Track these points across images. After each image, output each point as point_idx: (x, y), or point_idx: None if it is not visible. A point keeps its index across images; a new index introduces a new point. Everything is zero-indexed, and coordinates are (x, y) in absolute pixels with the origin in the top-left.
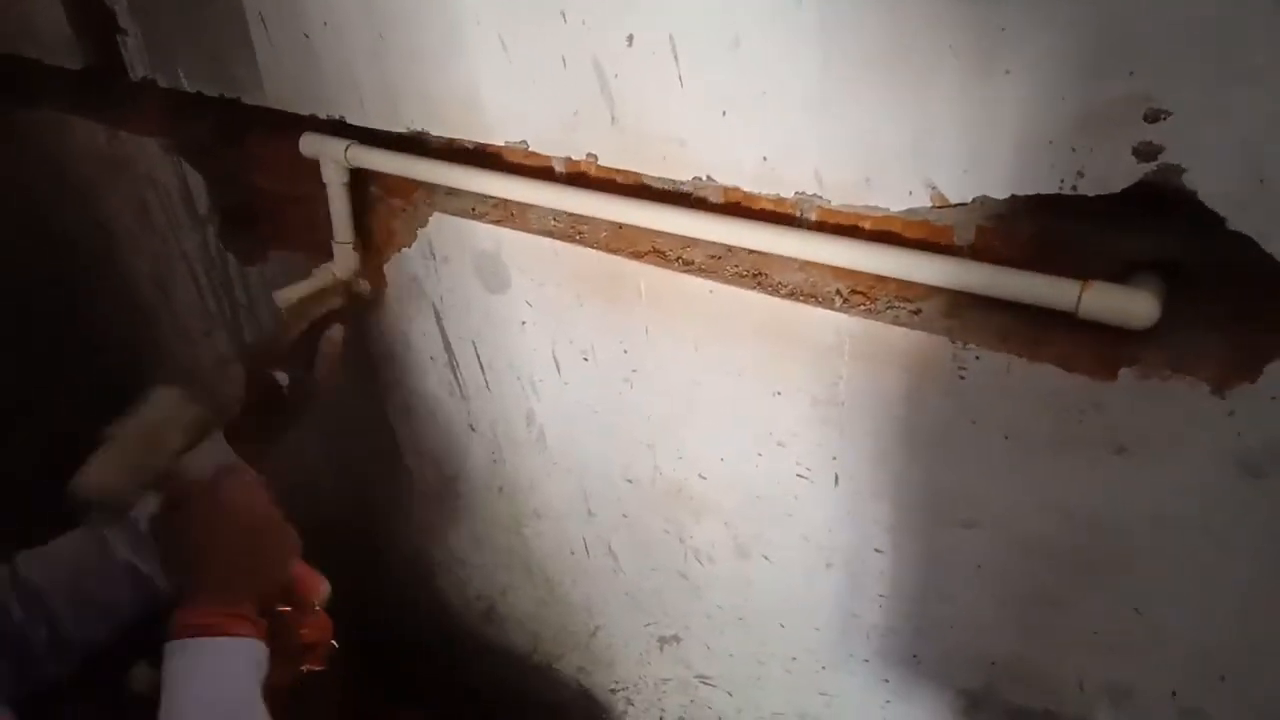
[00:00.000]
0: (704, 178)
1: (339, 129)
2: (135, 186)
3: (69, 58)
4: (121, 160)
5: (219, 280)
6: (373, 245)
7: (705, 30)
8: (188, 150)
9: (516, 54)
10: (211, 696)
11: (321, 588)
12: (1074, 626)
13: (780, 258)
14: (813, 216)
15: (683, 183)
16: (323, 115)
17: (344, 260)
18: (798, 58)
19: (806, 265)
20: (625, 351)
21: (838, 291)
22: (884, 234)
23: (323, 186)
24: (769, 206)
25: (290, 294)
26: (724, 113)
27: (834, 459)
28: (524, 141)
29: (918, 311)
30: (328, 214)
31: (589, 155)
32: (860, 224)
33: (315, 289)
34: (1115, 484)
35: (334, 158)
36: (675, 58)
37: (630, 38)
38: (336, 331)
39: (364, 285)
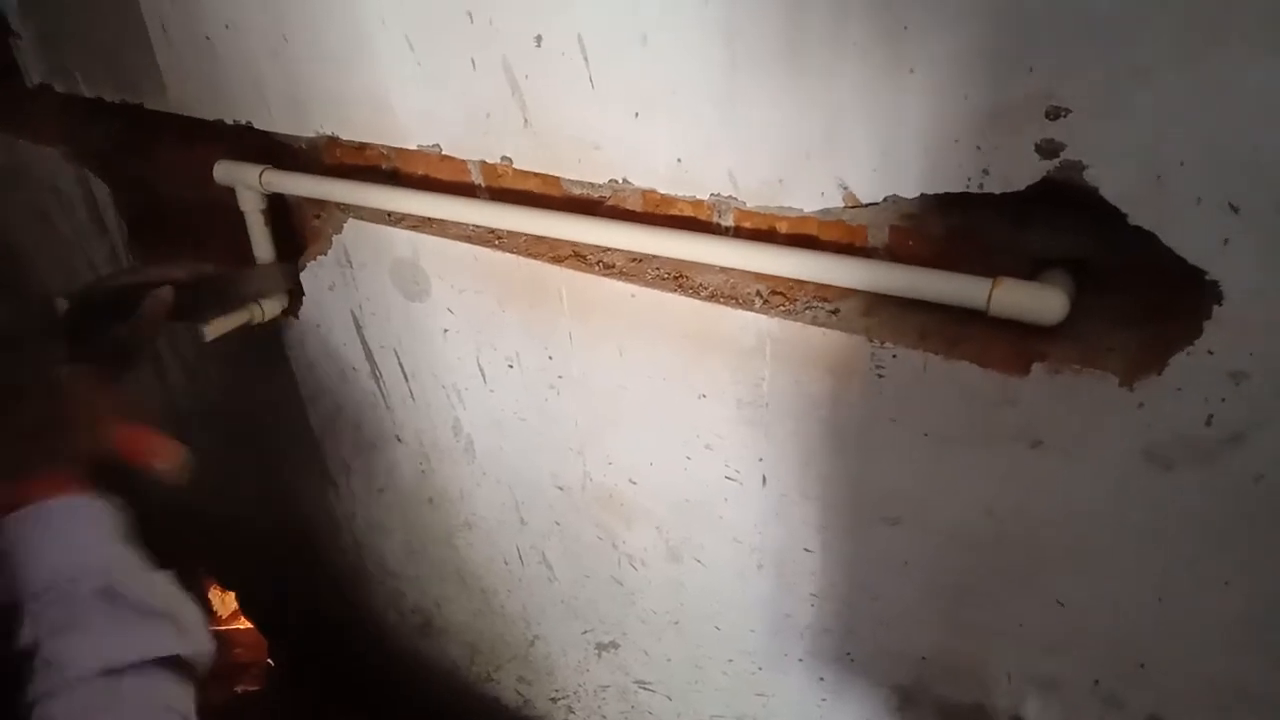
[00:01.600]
0: (620, 180)
1: (249, 135)
2: (37, 197)
3: None
4: (21, 169)
5: None
6: (291, 256)
7: (613, 29)
8: (90, 158)
9: (425, 55)
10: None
11: (166, 449)
12: (999, 620)
13: (695, 263)
14: (730, 219)
15: (600, 186)
16: (229, 120)
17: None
18: (705, 55)
19: (727, 267)
20: (550, 358)
21: (758, 293)
22: (800, 236)
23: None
24: (688, 209)
25: (217, 327)
26: (636, 114)
27: (760, 460)
28: (437, 145)
29: (835, 311)
30: (243, 225)
31: (504, 159)
32: (777, 226)
33: (242, 320)
34: (1032, 478)
35: (248, 184)
36: (585, 58)
37: (539, 38)
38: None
39: (283, 297)
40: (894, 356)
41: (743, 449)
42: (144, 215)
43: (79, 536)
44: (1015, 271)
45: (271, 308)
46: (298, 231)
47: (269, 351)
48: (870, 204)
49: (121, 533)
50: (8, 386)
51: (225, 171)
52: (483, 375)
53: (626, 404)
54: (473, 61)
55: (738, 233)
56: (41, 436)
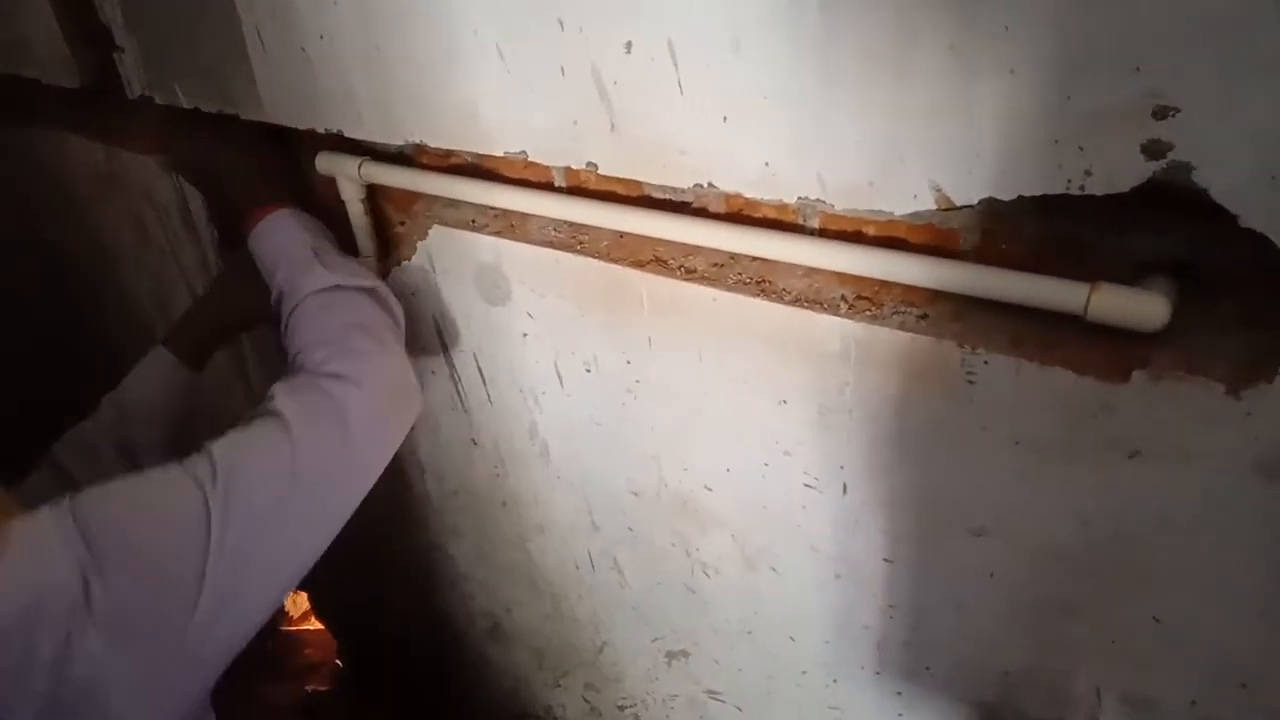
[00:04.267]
0: (705, 185)
1: (340, 144)
2: (133, 204)
3: (66, 76)
4: (120, 177)
5: None
6: (382, 259)
7: (705, 35)
8: (185, 167)
9: (515, 64)
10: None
11: None
12: (1090, 635)
13: (784, 264)
14: (815, 223)
15: (684, 190)
16: (321, 129)
17: None
18: (799, 61)
19: (811, 271)
20: (628, 362)
21: (843, 298)
22: (889, 239)
23: (332, 198)
24: (771, 213)
25: None
26: (725, 118)
27: (842, 468)
28: (523, 151)
29: (924, 316)
30: (334, 229)
31: (589, 164)
32: (864, 229)
33: None
34: (1129, 489)
35: (349, 174)
36: (675, 64)
37: (629, 44)
38: None
39: None
40: (985, 363)
41: (824, 456)
42: (231, 220)
43: (294, 228)
44: (1114, 276)
45: None
46: (382, 241)
47: None
48: (964, 206)
49: (321, 229)
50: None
51: (328, 162)
52: (560, 379)
53: (705, 409)
54: (562, 68)
55: (823, 235)
56: (262, 183)
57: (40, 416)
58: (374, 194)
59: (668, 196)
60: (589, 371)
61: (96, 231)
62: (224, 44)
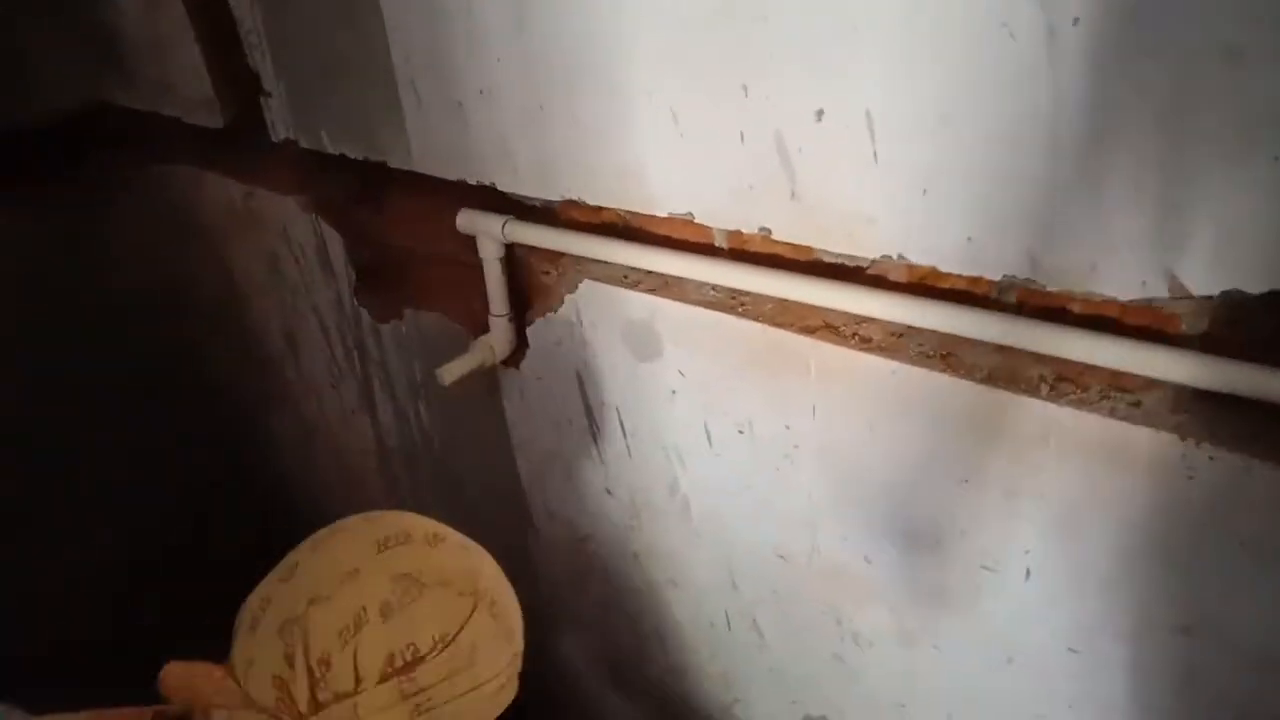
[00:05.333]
0: (895, 256)
1: (487, 195)
2: (268, 242)
3: (209, 117)
4: (256, 216)
5: (350, 334)
6: (518, 308)
7: (909, 107)
8: (326, 208)
9: (689, 127)
10: None
11: None
12: None
13: (972, 339)
14: (1013, 297)
15: (866, 260)
16: (472, 181)
17: (500, 333)
18: (1022, 137)
19: (1003, 349)
20: (788, 428)
21: (1041, 377)
22: (1097, 318)
23: (470, 251)
24: (961, 285)
25: (453, 370)
26: (924, 191)
27: (1026, 553)
28: (689, 213)
29: (1137, 404)
30: (471, 277)
31: (762, 229)
32: (1070, 305)
33: (475, 365)
34: None
35: (491, 234)
36: (871, 134)
37: (820, 113)
38: None
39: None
40: (1210, 459)
41: (1006, 540)
42: (371, 264)
43: None
44: None
45: (500, 352)
46: (525, 287)
47: (483, 399)
48: (1203, 296)
49: None
50: None
51: (469, 220)
52: (709, 439)
53: (872, 482)
54: (741, 134)
55: (1020, 311)
56: None
57: (158, 445)
58: (513, 246)
59: (841, 261)
60: (741, 433)
61: (228, 267)
62: (376, 94)
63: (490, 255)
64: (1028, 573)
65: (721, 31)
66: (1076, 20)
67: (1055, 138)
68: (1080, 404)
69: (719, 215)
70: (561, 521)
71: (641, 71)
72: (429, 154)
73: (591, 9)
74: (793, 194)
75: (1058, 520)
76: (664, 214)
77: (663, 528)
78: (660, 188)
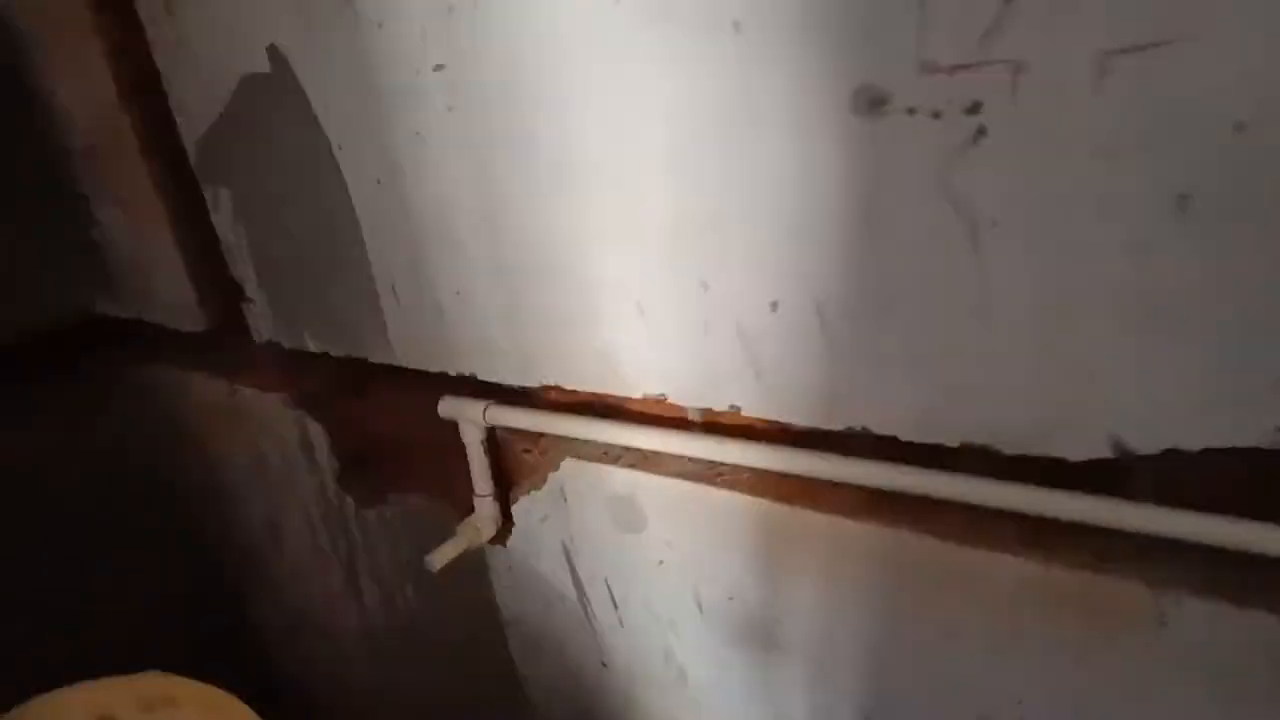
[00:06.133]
0: (859, 428)
1: (467, 382)
2: (252, 437)
3: (192, 323)
4: (240, 413)
5: (335, 521)
6: (503, 486)
7: (857, 295)
8: (309, 403)
9: (655, 319)
10: None
11: None
12: None
13: (948, 501)
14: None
15: (834, 431)
16: (453, 373)
17: (485, 512)
18: (966, 316)
19: (972, 508)
20: (777, 594)
21: (1014, 534)
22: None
23: (452, 435)
24: (925, 451)
25: (443, 554)
26: (881, 367)
27: (1019, 703)
28: (663, 394)
29: (1101, 555)
30: (454, 460)
31: (732, 406)
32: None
33: (464, 547)
34: None
35: (472, 419)
36: (821, 321)
37: (774, 304)
38: None
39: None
40: (1178, 605)
41: (999, 690)
42: (355, 453)
43: None
44: None
45: (486, 532)
46: (508, 466)
47: (470, 578)
48: (1145, 455)
49: None
50: None
51: (450, 407)
52: (700, 607)
53: (860, 644)
54: (705, 325)
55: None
56: None
57: (142, 633)
58: (494, 428)
59: (814, 430)
60: (731, 600)
61: (213, 462)
62: (357, 297)
63: (472, 439)
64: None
65: (681, 236)
66: (995, 223)
67: (989, 317)
68: (1048, 558)
69: (691, 395)
70: (560, 698)
71: (607, 270)
72: (410, 350)
73: (557, 220)
74: (757, 375)
75: (1039, 672)
76: (639, 395)
77: (660, 698)
78: (633, 372)
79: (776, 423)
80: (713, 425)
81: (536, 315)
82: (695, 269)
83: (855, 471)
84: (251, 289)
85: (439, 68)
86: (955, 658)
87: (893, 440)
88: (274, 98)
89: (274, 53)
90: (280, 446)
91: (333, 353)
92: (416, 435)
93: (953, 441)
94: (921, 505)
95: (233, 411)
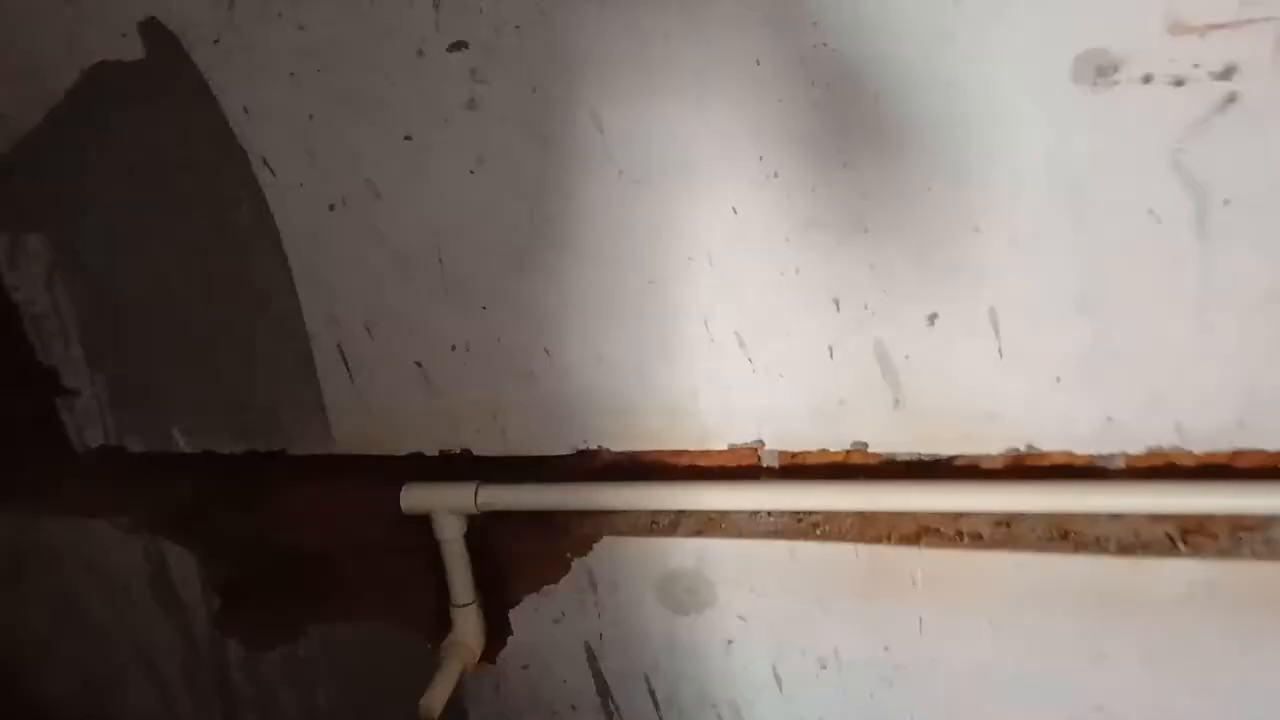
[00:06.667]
0: (1023, 448)
1: (428, 465)
2: (56, 583)
3: None
4: (33, 553)
5: (205, 675)
6: (491, 591)
7: (1044, 297)
8: (169, 524)
9: (758, 350)
10: None
11: None
12: None
13: (1081, 514)
14: (1119, 464)
15: (992, 456)
16: (432, 452)
17: (466, 625)
18: (1177, 310)
19: (1117, 516)
20: (886, 649)
21: (1168, 535)
22: (1211, 467)
23: (408, 535)
24: (1059, 460)
25: (438, 695)
26: (1058, 379)
27: (1166, 714)
28: (759, 441)
29: (1269, 541)
30: (406, 568)
31: (855, 444)
32: (1178, 462)
33: (458, 673)
34: None
35: (455, 507)
36: (996, 330)
37: (932, 316)
38: None
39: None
40: None
41: (1149, 704)
42: (244, 580)
43: None
44: None
45: (475, 651)
46: (499, 564)
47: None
48: None
49: None
50: None
51: (419, 496)
52: (778, 683)
53: (991, 681)
54: (830, 349)
55: (1128, 474)
56: None
57: None
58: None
59: (917, 458)
60: (824, 668)
61: None
62: (277, 369)
63: (451, 534)
64: None
65: (806, 247)
66: (1228, 201)
67: (1203, 311)
68: (1224, 554)
69: (797, 438)
70: None
71: (697, 297)
72: (360, 431)
73: (626, 233)
74: (896, 402)
75: (1209, 672)
76: (723, 447)
77: None
78: (716, 420)
79: (888, 458)
80: (791, 469)
81: (581, 363)
82: (823, 284)
83: (992, 498)
84: (75, 375)
85: (458, 45)
86: (1103, 676)
87: (1015, 466)
88: (148, 82)
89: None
90: (106, 589)
91: (222, 450)
92: (351, 543)
93: (1137, 449)
94: (1063, 523)
95: (20, 554)
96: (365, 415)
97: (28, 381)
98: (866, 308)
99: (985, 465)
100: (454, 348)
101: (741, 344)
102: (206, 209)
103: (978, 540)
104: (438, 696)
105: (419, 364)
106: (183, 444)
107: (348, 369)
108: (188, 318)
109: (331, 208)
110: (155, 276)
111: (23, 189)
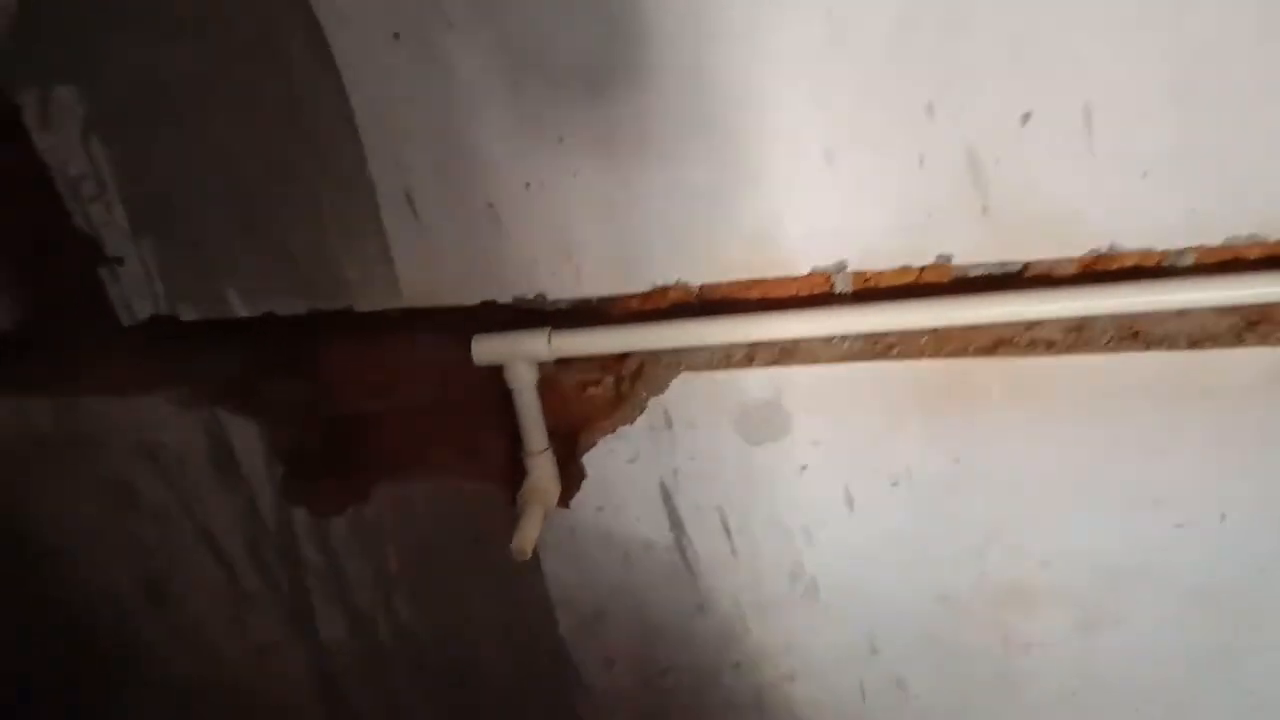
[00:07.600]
0: (1105, 248)
1: (515, 313)
2: (108, 468)
3: None
4: (80, 440)
5: (271, 547)
6: (562, 439)
7: (1134, 90)
8: (228, 394)
9: (844, 166)
10: None
11: None
12: None
13: (1150, 313)
14: (1188, 260)
15: (1071, 259)
16: (504, 299)
17: (544, 471)
18: (1267, 96)
19: (1182, 313)
20: (957, 461)
21: (1231, 327)
22: (1274, 258)
23: (475, 389)
24: (1130, 262)
25: (526, 537)
26: (1144, 174)
27: (1223, 498)
28: (842, 262)
29: None
30: (473, 422)
31: (940, 257)
32: (1245, 254)
33: (542, 515)
34: None
35: (529, 355)
36: (1089, 128)
37: (1026, 116)
38: None
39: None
40: None
41: (1202, 492)
42: (308, 447)
43: None
44: None
45: (553, 494)
46: (567, 411)
47: (496, 566)
48: None
49: None
50: None
51: (491, 346)
52: (850, 504)
53: (1056, 483)
54: (920, 158)
55: (1196, 270)
56: None
57: None
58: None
59: (987, 271)
60: (895, 485)
61: (31, 519)
62: (339, 222)
63: (524, 382)
64: (1222, 517)
65: (903, 53)
66: None
67: None
68: None
69: (881, 255)
70: (626, 664)
71: (785, 112)
72: (430, 282)
73: (707, 55)
74: (984, 209)
75: (1262, 455)
76: (805, 271)
77: (777, 623)
78: (799, 244)
79: (946, 270)
80: (865, 293)
81: (664, 195)
82: (917, 90)
83: (1063, 304)
84: (118, 243)
85: None
86: (1163, 470)
87: (1086, 271)
88: None
89: None
90: (164, 470)
91: (281, 311)
92: (417, 400)
93: (1216, 239)
94: (1132, 323)
95: (66, 440)
96: (434, 265)
97: (67, 252)
98: (961, 110)
99: (1057, 273)
100: (528, 185)
101: (830, 160)
102: (256, 45)
103: (1050, 347)
104: (527, 537)
105: (491, 204)
106: (240, 307)
107: (415, 215)
108: (239, 171)
109: (396, 36)
110: (201, 127)
111: (49, 38)
